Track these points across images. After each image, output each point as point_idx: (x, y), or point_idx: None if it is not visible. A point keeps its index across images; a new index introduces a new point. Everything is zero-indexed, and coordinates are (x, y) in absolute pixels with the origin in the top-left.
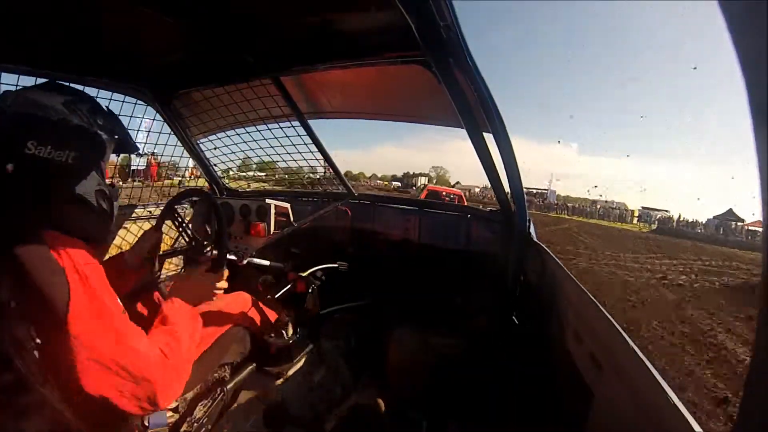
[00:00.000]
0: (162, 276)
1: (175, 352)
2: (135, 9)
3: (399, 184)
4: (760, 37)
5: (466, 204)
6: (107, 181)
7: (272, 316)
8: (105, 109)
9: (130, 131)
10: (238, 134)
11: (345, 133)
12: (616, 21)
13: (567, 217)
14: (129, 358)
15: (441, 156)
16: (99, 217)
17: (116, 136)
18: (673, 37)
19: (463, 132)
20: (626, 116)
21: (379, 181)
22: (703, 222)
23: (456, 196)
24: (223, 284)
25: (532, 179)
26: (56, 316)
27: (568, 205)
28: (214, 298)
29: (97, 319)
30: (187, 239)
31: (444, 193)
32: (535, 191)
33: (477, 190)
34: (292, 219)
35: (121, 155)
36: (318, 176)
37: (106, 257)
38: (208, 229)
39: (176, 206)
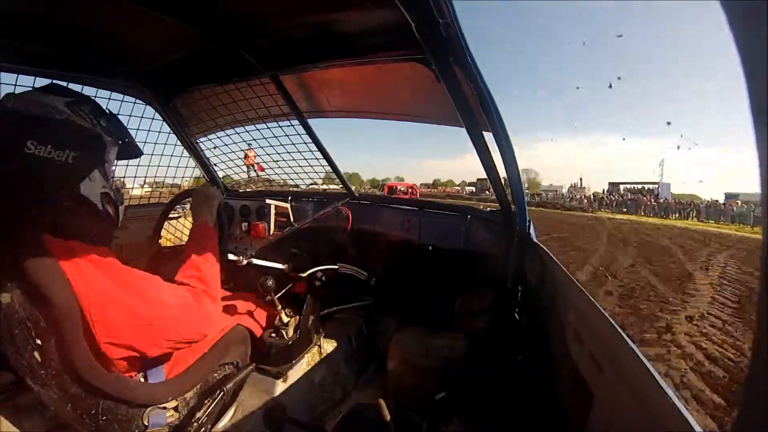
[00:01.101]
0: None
1: (198, 280)
2: (135, 9)
3: (473, 189)
4: (761, 36)
5: (417, 194)
6: (113, 185)
7: (272, 316)
8: (107, 111)
9: (131, 131)
10: (238, 134)
11: (437, 142)
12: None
13: (715, 226)
14: (162, 313)
15: (530, 159)
16: (103, 220)
17: (119, 141)
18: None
19: (551, 134)
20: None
21: (456, 188)
22: None
23: (408, 188)
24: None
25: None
26: (58, 318)
27: (695, 203)
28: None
29: (121, 296)
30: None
31: (398, 187)
32: (641, 187)
33: (564, 191)
34: (292, 219)
35: None
36: (319, 176)
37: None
38: None
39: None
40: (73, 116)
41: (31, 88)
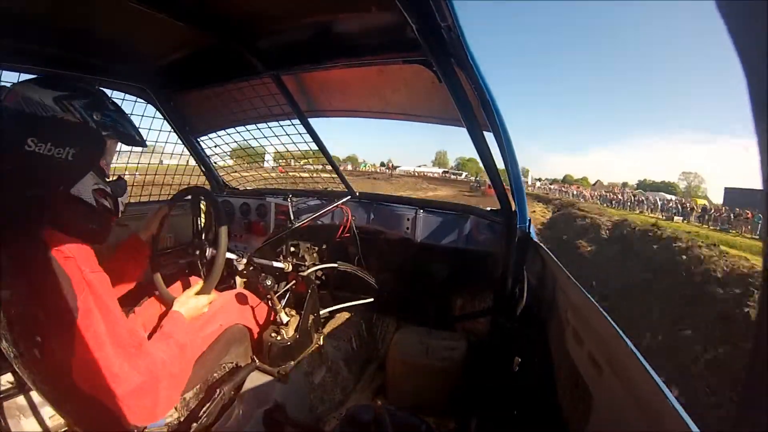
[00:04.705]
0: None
1: (174, 359)
2: (137, 8)
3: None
4: (760, 34)
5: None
6: (113, 177)
7: (272, 315)
8: (107, 103)
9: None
10: (239, 132)
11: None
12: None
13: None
14: (127, 365)
15: (678, 163)
16: (100, 215)
17: (119, 133)
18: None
19: (696, 132)
20: None
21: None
22: None
23: None
24: (211, 297)
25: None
26: (58, 316)
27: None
28: (204, 310)
29: (99, 321)
30: (193, 230)
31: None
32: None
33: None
34: (292, 218)
35: None
36: (319, 175)
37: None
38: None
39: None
40: (61, 113)
41: (22, 81)
